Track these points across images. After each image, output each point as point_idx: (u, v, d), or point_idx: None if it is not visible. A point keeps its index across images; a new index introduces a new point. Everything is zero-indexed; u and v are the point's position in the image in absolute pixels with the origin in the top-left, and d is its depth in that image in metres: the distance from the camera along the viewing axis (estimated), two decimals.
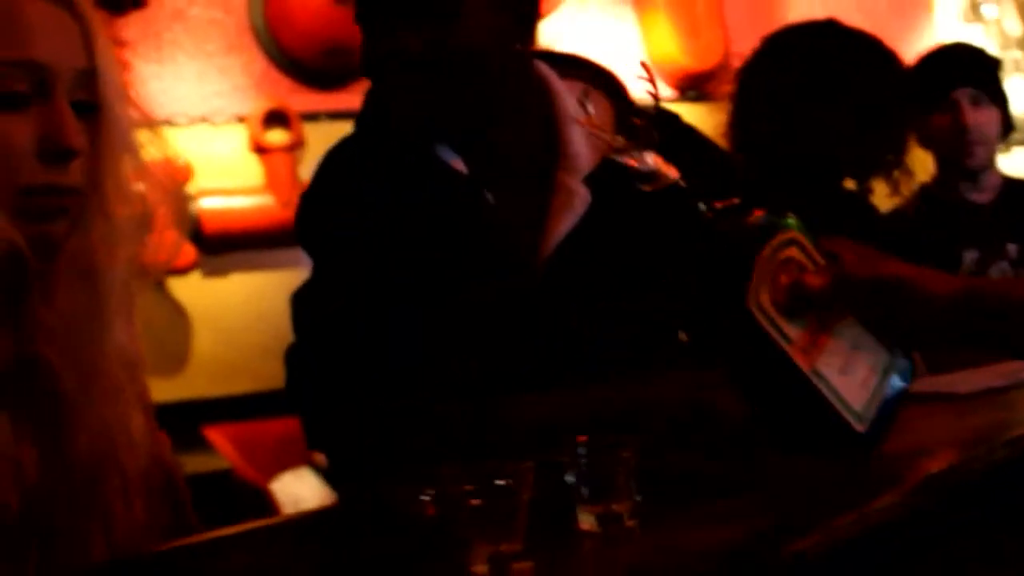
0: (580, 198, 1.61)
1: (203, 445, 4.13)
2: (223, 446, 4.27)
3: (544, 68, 1.68)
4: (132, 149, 1.33)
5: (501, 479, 1.00)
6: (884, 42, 2.51)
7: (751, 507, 1.14)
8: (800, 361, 1.21)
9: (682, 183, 1.27)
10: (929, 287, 1.23)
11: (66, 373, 1.29)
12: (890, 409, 1.28)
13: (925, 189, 2.99)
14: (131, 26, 4.26)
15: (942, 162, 3.03)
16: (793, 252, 1.24)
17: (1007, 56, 5.46)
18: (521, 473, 1.01)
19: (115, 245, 1.33)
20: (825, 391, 1.22)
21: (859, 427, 1.24)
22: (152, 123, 1.39)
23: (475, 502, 1.00)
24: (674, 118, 1.75)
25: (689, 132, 1.77)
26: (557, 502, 1.08)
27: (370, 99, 1.70)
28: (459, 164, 1.61)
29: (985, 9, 5.53)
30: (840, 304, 1.24)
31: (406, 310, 1.57)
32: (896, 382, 1.29)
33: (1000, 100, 3.00)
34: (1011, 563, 1.31)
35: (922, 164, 3.14)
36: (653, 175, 1.27)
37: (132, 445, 1.37)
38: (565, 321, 1.59)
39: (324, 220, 1.67)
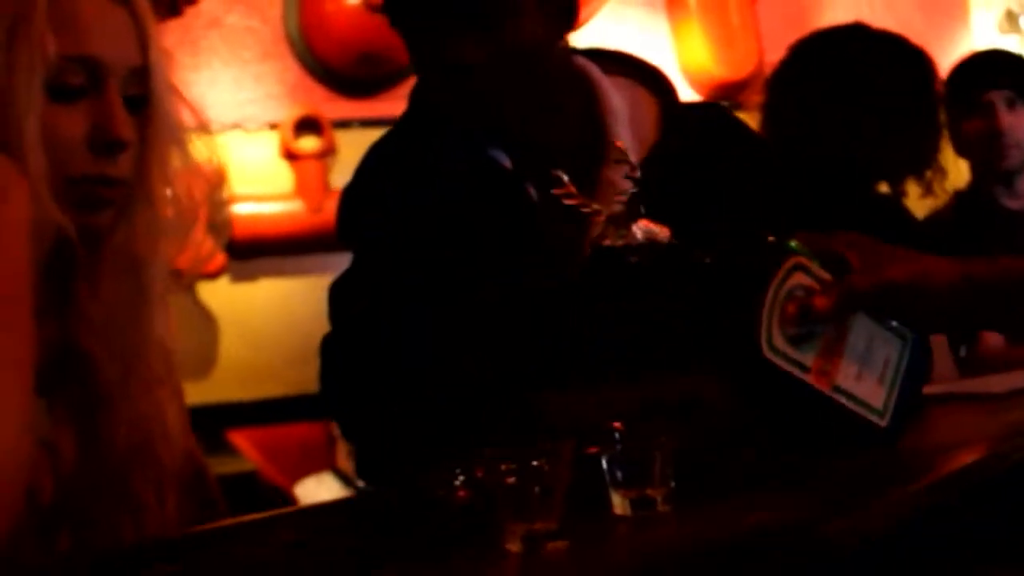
0: (625, 190, 1.60)
1: (228, 449, 4.13)
2: (248, 450, 4.28)
3: (589, 65, 1.68)
4: (180, 144, 1.36)
5: (538, 458, 0.99)
6: (911, 42, 2.49)
7: (783, 496, 1.14)
8: (821, 385, 1.22)
9: (674, 241, 1.25)
10: (932, 281, 1.24)
11: (107, 363, 1.31)
12: (909, 392, 1.28)
13: (960, 195, 2.96)
14: (168, 34, 4.28)
15: (977, 167, 3.01)
16: (798, 278, 1.22)
17: None
18: (558, 452, 1.00)
19: (158, 238, 1.35)
20: (847, 403, 1.23)
21: (881, 423, 1.26)
22: (203, 125, 1.40)
23: (511, 480, 0.99)
24: (720, 111, 1.74)
25: (736, 126, 1.76)
26: (591, 489, 1.07)
27: (416, 96, 1.70)
28: (504, 160, 1.61)
29: (1023, 20, 5.51)
30: (846, 319, 1.24)
31: (433, 308, 1.57)
32: (912, 363, 1.29)
33: None
34: None
35: (959, 173, 3.12)
36: (641, 248, 1.24)
37: (167, 438, 1.38)
38: (569, 321, 1.58)
39: (364, 213, 1.67)
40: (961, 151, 3.01)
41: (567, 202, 1.27)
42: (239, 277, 4.52)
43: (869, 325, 1.26)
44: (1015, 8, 5.51)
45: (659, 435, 1.08)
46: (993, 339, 2.48)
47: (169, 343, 1.39)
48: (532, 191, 1.60)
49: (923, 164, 2.48)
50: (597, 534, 1.03)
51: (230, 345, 4.47)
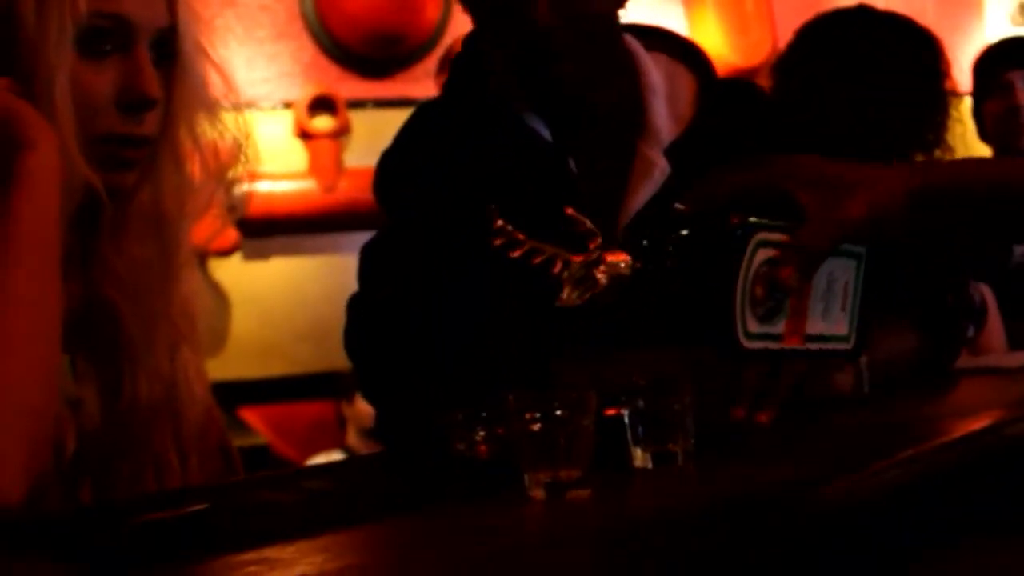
0: (660, 168, 1.62)
1: (240, 425, 4.15)
2: (259, 427, 4.30)
3: (632, 40, 1.69)
4: (207, 104, 1.36)
5: (562, 407, 1.01)
6: (917, 22, 2.50)
7: (800, 450, 1.17)
8: (794, 344, 1.22)
9: (636, 266, 1.22)
10: (886, 205, 1.18)
11: (131, 319, 1.32)
12: (867, 303, 1.28)
13: None
14: None
15: (998, 149, 3.02)
16: (762, 255, 1.19)
17: None
18: (582, 400, 1.01)
19: (185, 197, 1.36)
20: (818, 347, 1.23)
21: (848, 346, 1.27)
22: (232, 88, 1.41)
23: (535, 427, 1.00)
24: (754, 89, 1.76)
25: (768, 104, 1.79)
26: (612, 450, 1.08)
27: (458, 67, 1.72)
28: (545, 132, 1.63)
29: None
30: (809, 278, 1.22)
31: (463, 276, 1.58)
32: (867, 274, 1.28)
33: None
34: None
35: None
36: (606, 292, 1.23)
37: (190, 396, 1.39)
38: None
39: (402, 177, 1.69)
40: (984, 136, 3.02)
41: (512, 252, 1.17)
42: (252, 255, 4.53)
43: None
44: None
45: (681, 390, 1.10)
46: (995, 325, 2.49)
47: (193, 303, 1.40)
48: (572, 164, 1.62)
49: (931, 143, 2.49)
50: (619, 484, 1.05)
51: (242, 323, 4.49)
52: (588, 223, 1.17)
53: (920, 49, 2.46)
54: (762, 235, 1.18)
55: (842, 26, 2.50)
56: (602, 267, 1.16)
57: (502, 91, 1.63)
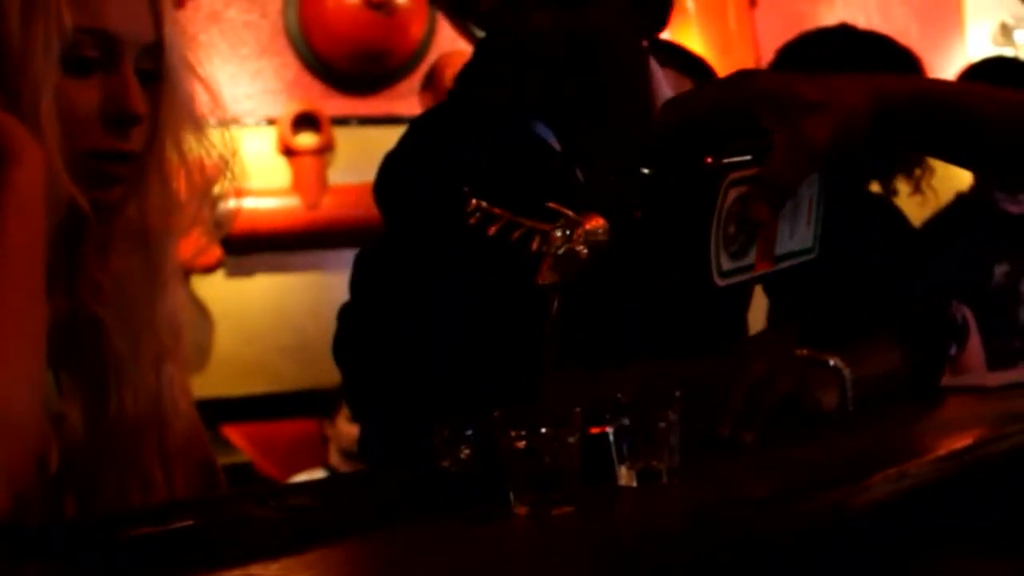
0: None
1: (222, 443, 4.14)
2: (242, 445, 4.29)
3: (649, 57, 1.71)
4: (193, 120, 1.36)
5: (548, 424, 1.01)
6: (897, 41, 2.52)
7: (787, 465, 1.17)
8: (765, 268, 1.21)
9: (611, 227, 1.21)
10: (848, 121, 1.16)
11: (116, 334, 1.31)
12: (821, 210, 1.28)
13: (960, 198, 2.99)
14: None
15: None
16: (734, 192, 1.17)
17: None
18: (568, 417, 1.01)
19: (170, 212, 1.36)
20: (786, 264, 1.24)
21: (813, 255, 1.27)
22: (219, 104, 1.41)
23: (520, 444, 1.00)
24: None
25: None
26: (596, 468, 1.08)
27: (464, 79, 1.72)
28: (553, 141, 1.64)
29: (1017, 34, 5.54)
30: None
31: (462, 287, 1.58)
32: (828, 184, 1.28)
33: None
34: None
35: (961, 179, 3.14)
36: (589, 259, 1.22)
37: (175, 412, 1.38)
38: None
39: (403, 181, 1.68)
40: None
41: (489, 229, 1.17)
42: (235, 272, 4.52)
43: None
44: (1010, 21, 5.55)
45: (665, 408, 1.10)
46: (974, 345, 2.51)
47: (178, 318, 1.40)
48: (579, 174, 1.63)
49: (912, 162, 2.51)
50: (603, 502, 1.05)
51: (225, 340, 4.48)
52: (572, 213, 1.16)
53: (900, 68, 2.47)
54: (733, 175, 1.16)
55: (822, 45, 2.52)
56: (581, 236, 1.15)
57: (510, 100, 1.64)
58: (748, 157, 1.17)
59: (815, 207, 1.26)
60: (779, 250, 1.23)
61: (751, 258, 1.20)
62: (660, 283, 1.23)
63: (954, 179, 3.17)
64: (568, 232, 1.15)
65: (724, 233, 1.16)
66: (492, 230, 1.15)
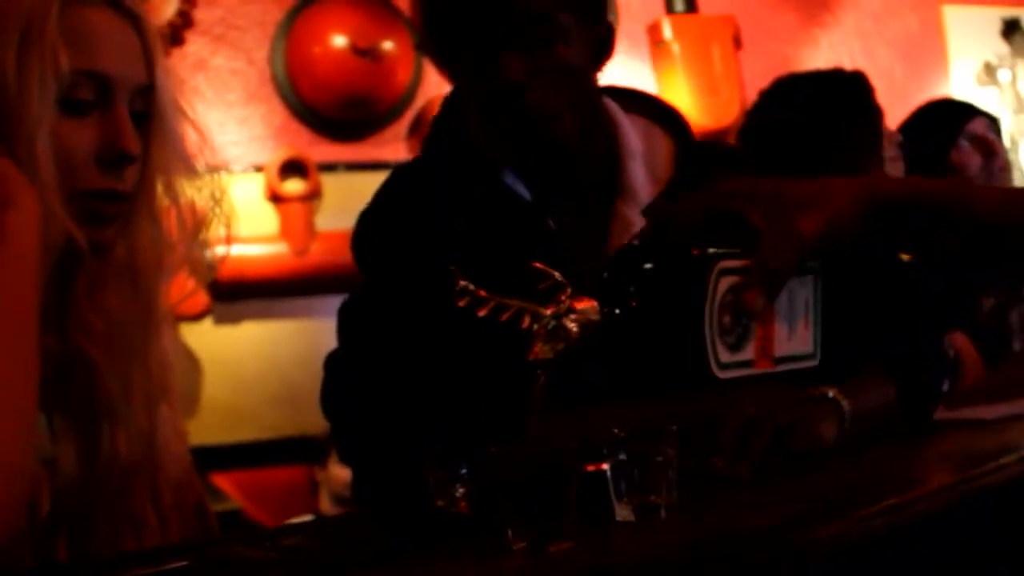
0: (636, 226, 1.63)
1: (211, 491, 4.11)
2: (231, 493, 4.26)
3: (610, 102, 1.71)
4: (183, 159, 1.36)
5: (545, 461, 1.00)
6: (847, 83, 2.57)
7: (785, 497, 1.17)
8: (765, 367, 1.22)
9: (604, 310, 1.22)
10: (840, 217, 1.17)
11: (109, 374, 1.31)
12: (820, 318, 1.28)
13: None
14: None
15: None
16: (725, 283, 1.18)
17: (1021, 120, 5.51)
18: (567, 453, 1.01)
19: (161, 252, 1.36)
20: (787, 366, 1.24)
21: (814, 362, 1.27)
22: (208, 146, 1.42)
23: (517, 481, 1.00)
24: (733, 150, 1.78)
25: (748, 164, 1.82)
26: (593, 505, 1.08)
27: (437, 129, 1.73)
28: (524, 191, 1.63)
29: (1000, 73, 5.58)
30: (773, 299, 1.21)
31: (439, 336, 1.57)
32: (825, 290, 1.29)
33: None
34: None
35: None
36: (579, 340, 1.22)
37: (168, 454, 1.38)
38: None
39: (377, 236, 1.69)
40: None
41: (479, 311, 1.15)
42: (223, 319, 4.51)
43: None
44: (993, 60, 5.59)
45: (664, 443, 1.09)
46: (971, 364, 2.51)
47: (170, 358, 1.40)
48: (551, 222, 1.63)
49: None
50: (601, 537, 1.04)
51: (213, 387, 4.46)
52: (557, 275, 1.16)
53: (869, 107, 2.52)
54: (723, 263, 1.17)
55: (798, 90, 2.57)
56: (572, 316, 1.14)
57: (480, 149, 1.64)
58: (738, 249, 1.18)
59: (813, 310, 1.27)
60: (778, 351, 1.23)
61: (749, 353, 1.20)
62: (658, 376, 1.24)
63: None
64: (560, 312, 1.15)
65: (719, 322, 1.17)
66: (482, 312, 1.15)
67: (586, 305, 1.16)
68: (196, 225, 1.39)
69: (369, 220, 1.72)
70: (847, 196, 1.18)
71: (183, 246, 1.38)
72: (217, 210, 1.41)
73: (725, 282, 1.17)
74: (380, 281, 1.67)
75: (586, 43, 1.59)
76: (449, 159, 1.68)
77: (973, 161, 2.99)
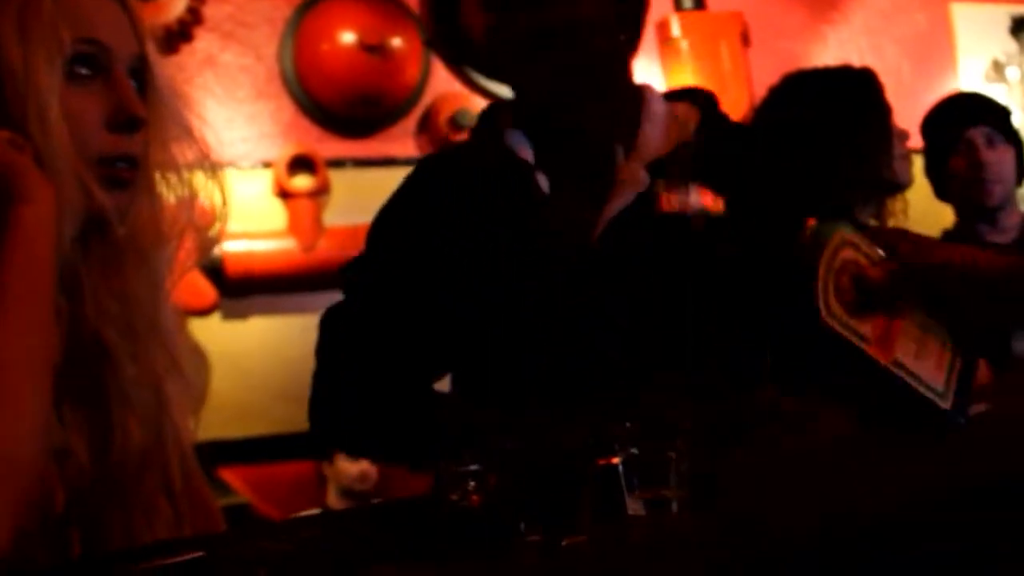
0: (641, 181, 1.66)
1: (219, 486, 4.12)
2: (239, 487, 4.26)
3: (649, 86, 1.79)
4: (179, 129, 1.37)
5: (558, 455, 1.01)
6: (855, 80, 2.57)
7: (800, 492, 1.16)
8: (879, 356, 1.23)
9: (725, 214, 1.27)
10: (981, 266, 1.25)
11: (125, 357, 1.31)
12: (967, 381, 1.29)
13: (946, 235, 3.00)
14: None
15: (961, 205, 3.05)
16: (848, 253, 1.25)
17: None
18: (577, 448, 1.01)
19: (160, 227, 1.36)
20: (907, 378, 1.25)
21: (944, 405, 1.27)
22: (201, 119, 1.43)
23: (529, 475, 1.00)
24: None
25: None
26: (605, 500, 1.08)
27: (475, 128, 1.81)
28: (523, 150, 1.68)
29: (1009, 70, 5.58)
30: (902, 293, 1.26)
31: (436, 304, 1.62)
32: (965, 365, 1.31)
33: (1014, 140, 3.03)
34: None
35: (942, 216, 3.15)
36: (698, 216, 1.27)
37: (177, 438, 1.38)
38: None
39: (388, 211, 1.78)
40: (943, 192, 3.06)
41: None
42: (231, 315, 4.52)
43: (922, 315, 1.29)
44: (1002, 58, 5.58)
45: (676, 437, 1.10)
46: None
47: (176, 337, 1.40)
48: (543, 182, 1.66)
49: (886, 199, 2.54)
50: (614, 531, 1.05)
51: (221, 383, 4.46)
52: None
53: (845, 104, 2.52)
54: (848, 237, 1.24)
55: (806, 85, 2.57)
56: (702, 189, 1.28)
57: (492, 111, 1.73)
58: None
59: (950, 359, 1.29)
60: (900, 357, 1.25)
61: (866, 329, 1.23)
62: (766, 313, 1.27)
63: (938, 215, 3.19)
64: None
65: (836, 279, 1.22)
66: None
67: (713, 197, 1.24)
68: (193, 197, 1.40)
69: (390, 200, 1.77)
70: (990, 258, 1.26)
71: (182, 217, 1.39)
72: (213, 180, 1.42)
73: (846, 252, 1.24)
74: (379, 250, 1.72)
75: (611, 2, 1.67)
76: (470, 146, 1.76)
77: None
